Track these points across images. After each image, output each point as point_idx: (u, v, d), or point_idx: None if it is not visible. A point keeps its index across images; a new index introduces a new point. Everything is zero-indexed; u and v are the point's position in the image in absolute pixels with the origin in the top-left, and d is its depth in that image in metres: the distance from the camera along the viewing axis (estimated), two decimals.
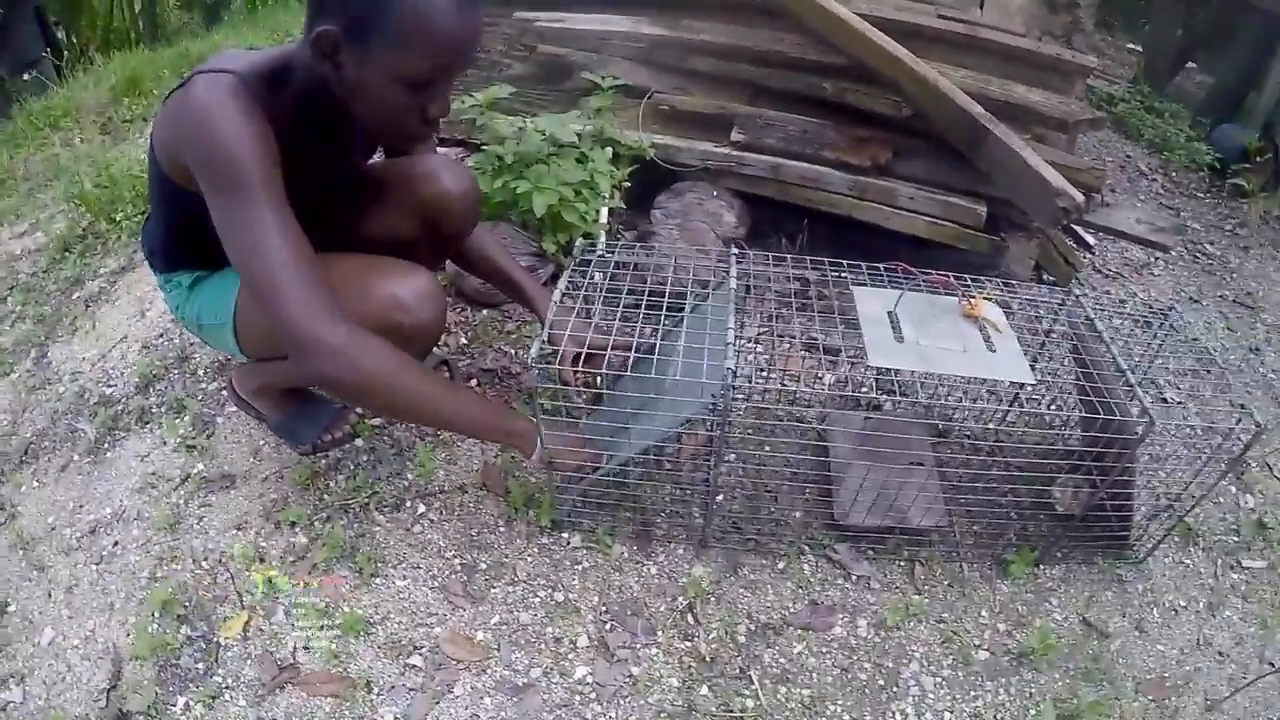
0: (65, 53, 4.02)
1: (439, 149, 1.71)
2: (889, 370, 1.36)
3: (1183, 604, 1.50)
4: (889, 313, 1.34)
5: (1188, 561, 1.58)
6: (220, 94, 1.03)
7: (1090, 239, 2.69)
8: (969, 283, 1.45)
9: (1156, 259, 2.88)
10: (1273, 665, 1.42)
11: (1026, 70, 2.19)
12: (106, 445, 1.73)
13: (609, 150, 2.01)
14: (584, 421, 1.27)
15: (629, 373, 1.34)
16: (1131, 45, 4.87)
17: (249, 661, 1.33)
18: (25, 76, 3.83)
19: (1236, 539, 1.64)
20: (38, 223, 2.69)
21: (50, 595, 1.47)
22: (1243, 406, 1.31)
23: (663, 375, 1.22)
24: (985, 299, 1.40)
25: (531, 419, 1.28)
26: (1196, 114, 3.94)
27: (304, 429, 1.58)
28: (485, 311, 2.00)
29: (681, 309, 1.45)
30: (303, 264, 1.06)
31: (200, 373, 1.85)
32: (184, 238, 1.33)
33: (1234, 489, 1.75)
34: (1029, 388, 1.66)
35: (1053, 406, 1.76)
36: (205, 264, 1.38)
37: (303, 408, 1.60)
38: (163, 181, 1.19)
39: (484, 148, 1.93)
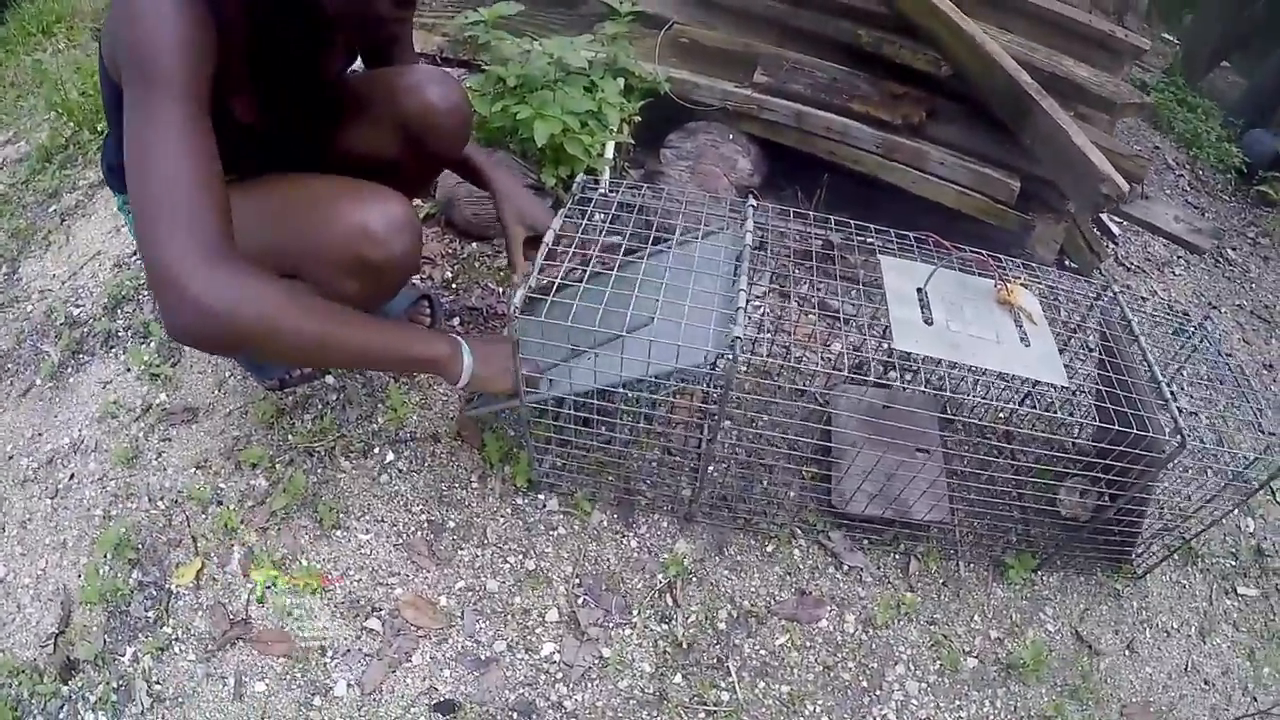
0: None
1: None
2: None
3: (1175, 626, 1.46)
4: (918, 290, 1.22)
5: (1184, 582, 1.53)
6: None
7: (1115, 229, 2.59)
8: (1004, 264, 1.32)
9: (1179, 258, 2.82)
10: (1255, 700, 1.39)
11: (1075, 43, 2.06)
12: (70, 369, 1.65)
13: (621, 81, 1.87)
14: (520, 335, 1.07)
15: (588, 284, 1.11)
16: (1167, 35, 4.73)
17: (200, 613, 1.27)
18: None
19: (1234, 563, 1.60)
20: (21, 131, 2.59)
21: (3, 529, 1.41)
22: (1274, 434, 1.23)
23: (640, 312, 1.08)
24: (1022, 285, 1.28)
25: (456, 337, 1.11)
26: (1228, 114, 3.90)
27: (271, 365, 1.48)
28: (475, 244, 1.88)
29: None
30: (195, 187, 0.87)
31: None
32: None
33: (1236, 510, 1.67)
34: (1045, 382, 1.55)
35: (1068, 405, 1.65)
36: None
37: None
38: (110, 87, 1.05)
39: (485, 68, 1.79)
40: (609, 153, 1.83)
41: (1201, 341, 1.42)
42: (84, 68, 2.57)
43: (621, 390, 1.20)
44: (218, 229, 0.87)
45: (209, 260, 0.85)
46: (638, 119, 1.93)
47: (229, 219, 0.89)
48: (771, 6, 2.07)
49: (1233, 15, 4.19)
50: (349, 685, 1.19)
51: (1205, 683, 1.39)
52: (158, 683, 1.20)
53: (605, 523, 1.40)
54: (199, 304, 0.84)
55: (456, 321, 1.70)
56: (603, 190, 1.34)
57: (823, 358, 1.72)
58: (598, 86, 1.78)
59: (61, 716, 1.19)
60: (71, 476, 1.45)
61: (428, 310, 1.63)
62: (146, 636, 1.24)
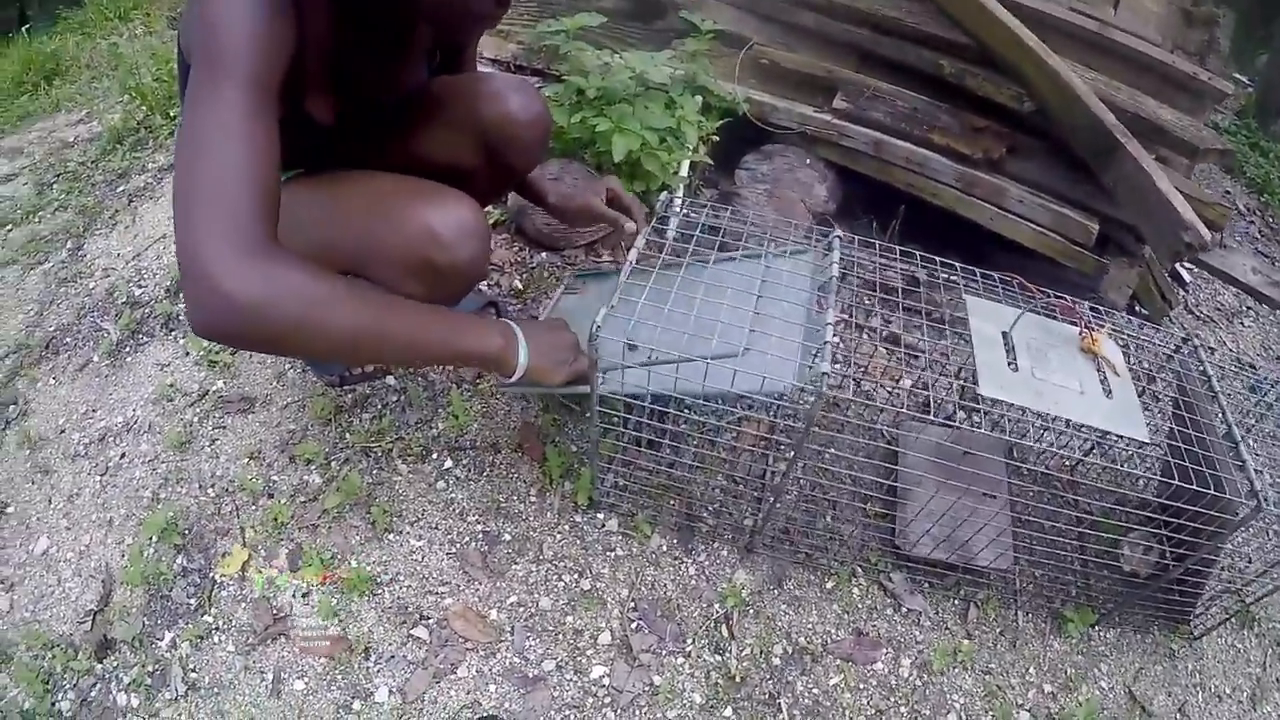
0: None
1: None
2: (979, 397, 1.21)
3: (1228, 691, 1.40)
4: (1004, 333, 1.18)
5: (1239, 646, 1.48)
6: None
7: (1187, 276, 2.52)
8: (1089, 312, 1.29)
9: (1248, 309, 2.74)
10: None
11: (1156, 83, 2.00)
12: (128, 349, 1.65)
13: (699, 99, 1.85)
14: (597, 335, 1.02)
15: (655, 283, 1.07)
16: (1239, 76, 4.63)
17: (243, 605, 1.25)
18: None
19: None
20: (94, 111, 2.64)
21: (50, 502, 1.41)
22: None
23: (728, 327, 1.04)
24: (1107, 334, 1.24)
25: (511, 324, 1.06)
26: None
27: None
28: (545, 254, 1.86)
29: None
30: (241, 176, 0.81)
31: None
32: None
33: None
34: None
35: (1136, 457, 1.60)
36: None
37: None
38: (185, 71, 1.01)
39: (564, 78, 1.78)
40: (684, 171, 1.81)
41: (1277, 399, 1.37)
42: (159, 54, 2.63)
43: (687, 411, 1.15)
44: (260, 221, 0.81)
45: (243, 252, 0.79)
46: (715, 138, 1.90)
47: (274, 214, 0.84)
48: (853, 32, 2.05)
49: None
50: (391, 692, 1.17)
51: None
52: (194, 670, 1.19)
53: (665, 547, 1.37)
54: (226, 297, 0.77)
55: None
56: (682, 209, 1.32)
57: (891, 393, 1.68)
58: (677, 103, 1.76)
59: (93, 694, 1.18)
60: (123, 455, 1.45)
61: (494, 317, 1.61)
62: (186, 623, 1.23)
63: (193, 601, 1.26)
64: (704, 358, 1.00)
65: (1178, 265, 2.40)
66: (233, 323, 0.79)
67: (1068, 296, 1.28)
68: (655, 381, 1.08)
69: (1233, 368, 1.54)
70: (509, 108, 1.21)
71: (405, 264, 1.05)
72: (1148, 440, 1.13)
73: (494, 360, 1.03)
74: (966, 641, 1.34)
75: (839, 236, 1.20)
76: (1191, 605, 1.37)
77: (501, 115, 1.21)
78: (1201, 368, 1.32)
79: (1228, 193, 3.44)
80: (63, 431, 1.51)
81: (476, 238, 1.09)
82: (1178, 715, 1.34)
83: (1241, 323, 2.67)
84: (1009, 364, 1.14)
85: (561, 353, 1.09)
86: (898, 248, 1.26)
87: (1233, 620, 1.46)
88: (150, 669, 1.19)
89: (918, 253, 1.26)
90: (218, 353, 1.58)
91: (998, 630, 1.37)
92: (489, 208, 1.87)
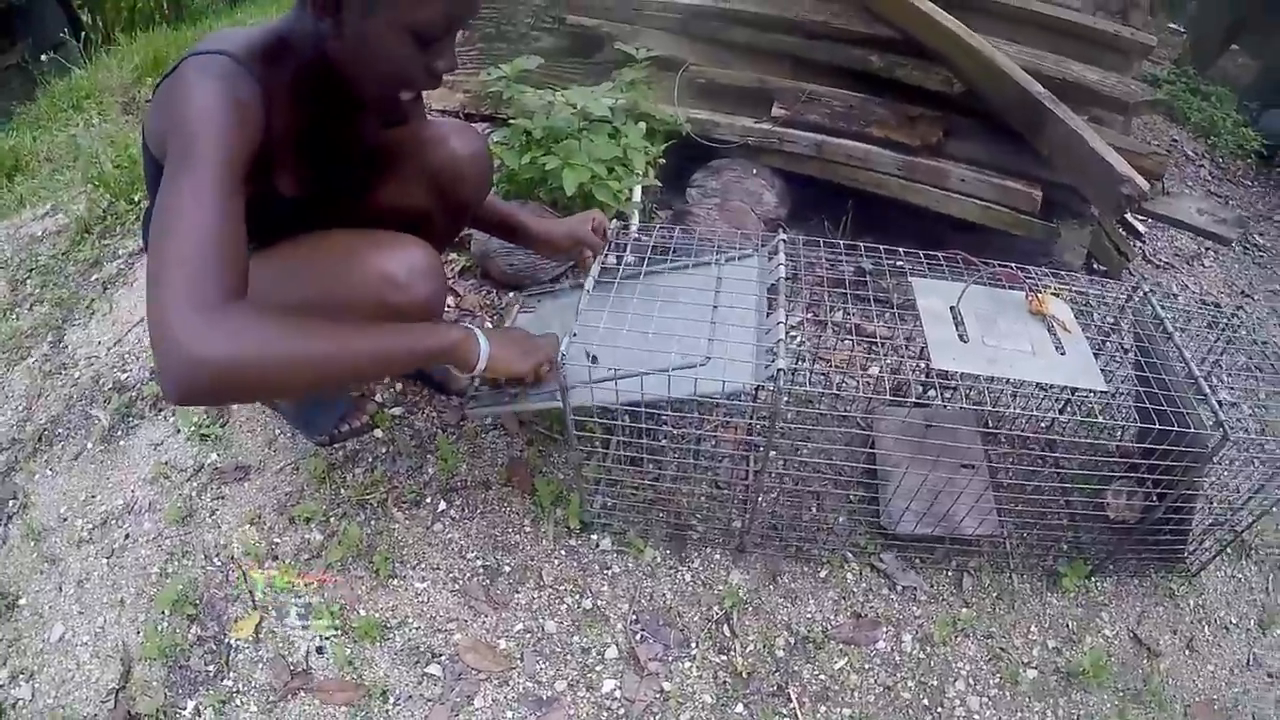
0: (88, 34, 3.98)
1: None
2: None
3: (1234, 621, 1.43)
4: (951, 308, 1.23)
5: (1240, 576, 1.51)
6: (207, 76, 0.93)
7: (1141, 227, 2.58)
8: (1033, 275, 1.34)
9: (1207, 250, 2.79)
10: None
11: (1082, 47, 2.08)
12: (120, 433, 1.68)
13: (643, 125, 1.90)
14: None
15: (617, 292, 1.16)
16: (1173, 25, 4.72)
17: (260, 665, 1.28)
18: (44, 58, 3.80)
19: None
20: (59, 204, 2.67)
21: (61, 589, 1.44)
22: None
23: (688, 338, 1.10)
24: (1052, 294, 1.29)
25: (467, 325, 1.13)
26: (1242, 98, 3.85)
27: (320, 418, 1.52)
28: (512, 294, 1.91)
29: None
30: (207, 243, 0.85)
31: None
32: None
33: None
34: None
35: (1109, 409, 1.65)
36: None
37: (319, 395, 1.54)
38: (155, 169, 1.09)
39: (511, 122, 1.84)
40: (636, 196, 1.86)
41: (1237, 330, 1.41)
42: (117, 141, 2.66)
43: (665, 425, 1.21)
44: (223, 279, 0.85)
45: (205, 310, 0.82)
46: (662, 161, 1.96)
47: (240, 274, 0.88)
48: (784, 40, 2.11)
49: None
50: None
51: (1269, 675, 1.37)
52: None
53: (659, 559, 1.41)
54: (194, 361, 0.80)
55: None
56: (634, 235, 1.37)
57: (862, 382, 1.73)
58: (621, 132, 1.82)
59: None
60: (126, 536, 1.48)
61: None
62: (208, 690, 1.26)
63: (211, 668, 1.28)
64: (667, 370, 1.06)
65: (1128, 218, 2.46)
66: (204, 383, 0.82)
67: (1012, 264, 1.33)
68: (624, 394, 1.12)
69: (1196, 308, 1.57)
70: (451, 147, 1.30)
71: (366, 310, 1.10)
72: (1105, 389, 1.18)
73: (456, 352, 1.08)
74: (965, 610, 1.37)
75: (783, 240, 1.26)
76: (1183, 543, 1.40)
77: (446, 155, 1.30)
78: (1154, 312, 1.37)
79: (1174, 140, 3.50)
80: (65, 520, 1.54)
81: (430, 276, 1.16)
82: (1186, 651, 1.37)
83: (1201, 264, 2.72)
84: (959, 336, 1.19)
85: (521, 344, 1.16)
86: (842, 243, 1.31)
87: (1229, 552, 1.48)
88: None
89: (862, 245, 1.31)
90: (209, 426, 1.62)
91: (994, 595, 1.40)
92: (454, 254, 1.93)
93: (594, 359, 1.11)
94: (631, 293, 1.20)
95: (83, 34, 3.94)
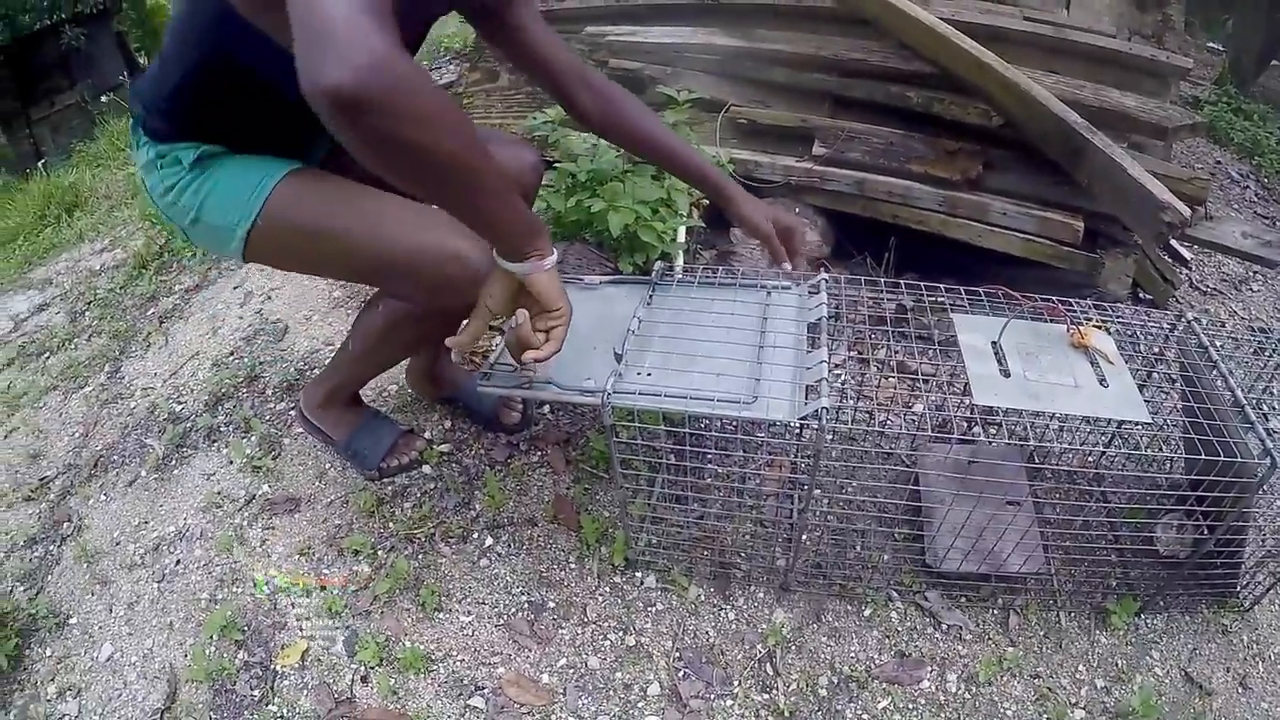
0: None
1: None
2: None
3: None
4: (992, 343, 1.23)
5: None
6: None
7: (1187, 254, 2.54)
8: (1075, 308, 1.33)
9: (1255, 274, 2.73)
10: None
11: (1119, 73, 2.07)
12: (174, 462, 1.74)
13: None
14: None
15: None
16: (1211, 44, 4.65)
17: (305, 692, 1.30)
18: (104, 99, 3.99)
19: None
20: (116, 239, 2.79)
21: (111, 610, 1.48)
22: None
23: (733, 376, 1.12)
24: (1095, 326, 1.28)
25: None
26: None
27: (369, 449, 1.56)
28: None
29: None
30: None
31: (269, 392, 1.84)
32: (209, 94, 1.08)
33: None
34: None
35: (1154, 441, 1.62)
36: (224, 138, 1.15)
37: (367, 424, 1.58)
38: (212, 7, 1.00)
39: (556, 165, 1.88)
40: (681, 237, 1.89)
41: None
42: None
43: (710, 463, 1.22)
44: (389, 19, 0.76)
45: (382, 21, 0.74)
46: (706, 202, 1.97)
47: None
48: (823, 80, 2.14)
49: (1273, 14, 4.10)
50: None
51: None
52: None
53: (703, 596, 1.40)
54: (372, 46, 0.73)
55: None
56: (679, 275, 1.39)
57: (906, 419, 1.72)
58: (664, 174, 1.84)
59: None
60: (177, 562, 1.52)
61: None
62: (252, 714, 1.28)
63: (256, 693, 1.31)
64: (713, 399, 1.08)
65: (1175, 243, 2.42)
66: (379, 75, 0.73)
67: (1053, 298, 1.32)
68: (666, 406, 1.12)
69: (1244, 335, 1.54)
70: (528, 159, 1.36)
71: (423, 275, 1.13)
72: (1148, 420, 1.16)
73: (541, 235, 1.02)
74: (1011, 649, 1.34)
75: (824, 278, 1.27)
76: (1235, 577, 1.36)
77: (526, 165, 1.36)
78: (1199, 341, 1.34)
79: (1218, 162, 3.44)
80: (118, 544, 1.59)
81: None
82: (1239, 689, 1.33)
83: (1250, 288, 2.66)
84: (1001, 372, 1.19)
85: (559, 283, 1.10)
86: (882, 280, 1.32)
87: None
88: None
89: (903, 282, 1.32)
90: (261, 459, 1.66)
91: (1041, 633, 1.37)
92: None
93: (618, 357, 1.15)
94: (681, 308, 1.23)
95: None
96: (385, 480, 1.58)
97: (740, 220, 1.38)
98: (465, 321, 1.11)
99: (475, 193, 0.91)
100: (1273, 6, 4.08)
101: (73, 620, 1.48)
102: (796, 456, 1.56)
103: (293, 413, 1.73)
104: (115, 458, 1.80)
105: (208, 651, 1.36)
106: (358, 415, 1.59)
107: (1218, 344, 1.33)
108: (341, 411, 1.57)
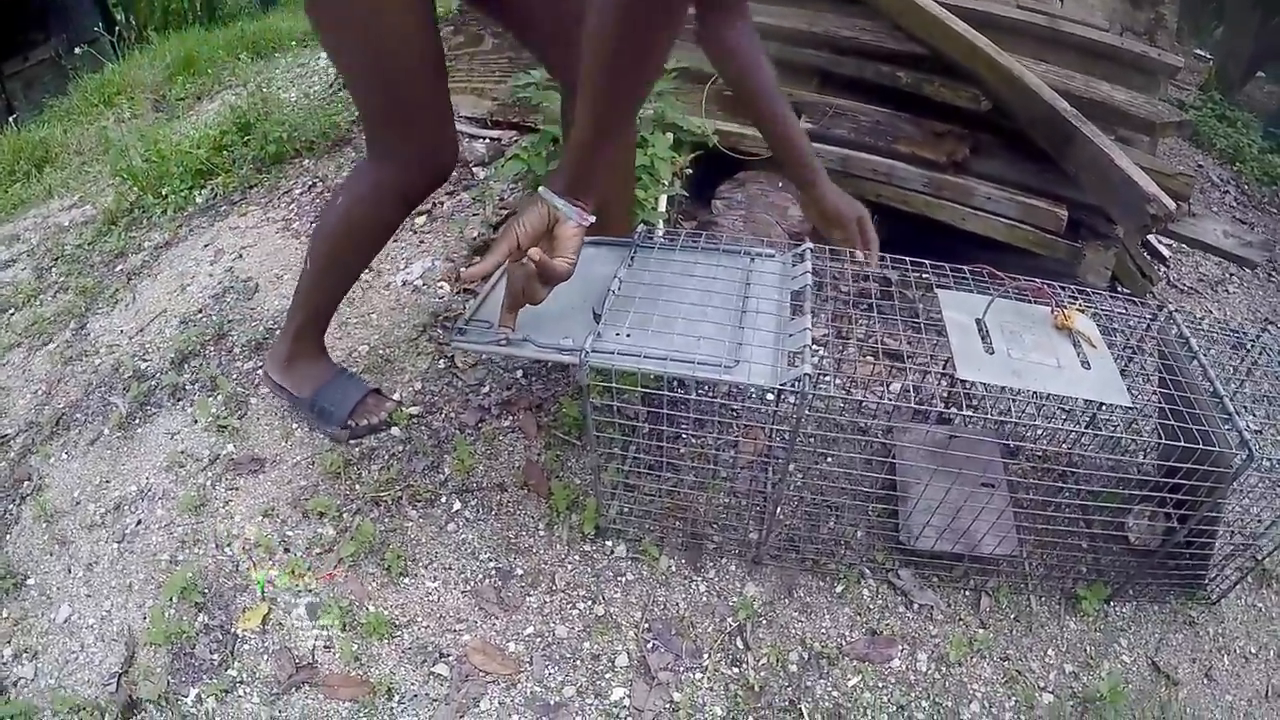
0: (121, 31, 4.06)
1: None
2: (962, 382, 1.25)
3: (1253, 650, 1.40)
4: (977, 320, 1.22)
5: (1260, 605, 1.48)
6: None
7: (1166, 251, 2.56)
8: (1059, 291, 1.32)
9: (1232, 276, 2.77)
10: None
11: (1109, 67, 2.07)
12: (137, 421, 1.69)
13: (670, 136, 1.92)
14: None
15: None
16: (1199, 51, 4.71)
17: (266, 656, 1.28)
18: (77, 50, 3.88)
19: None
20: (86, 195, 2.72)
21: (70, 571, 1.45)
22: None
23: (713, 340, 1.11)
24: (1078, 310, 1.28)
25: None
26: (1268, 124, 3.82)
27: (336, 405, 1.53)
28: None
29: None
30: None
31: (236, 351, 1.80)
32: None
33: None
34: (1107, 408, 1.53)
35: (1131, 429, 1.63)
36: None
37: (334, 381, 1.55)
38: None
39: (540, 129, 1.84)
40: (662, 206, 1.87)
41: (1260, 355, 1.39)
42: (147, 136, 2.69)
43: (685, 430, 1.20)
44: None
45: None
46: (689, 172, 1.97)
47: None
48: (813, 55, 2.11)
49: (1262, 25, 4.17)
50: None
51: None
52: None
53: (673, 568, 1.39)
54: None
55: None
56: (659, 241, 1.37)
57: (884, 398, 1.71)
58: (648, 142, 1.82)
59: None
60: (138, 522, 1.49)
61: None
62: (211, 678, 1.26)
63: (216, 657, 1.28)
64: (693, 362, 1.07)
65: (1154, 241, 2.44)
66: None
67: (1037, 279, 1.32)
68: (645, 366, 1.11)
69: (1219, 332, 1.55)
70: None
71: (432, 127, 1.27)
72: (1129, 404, 1.16)
73: (595, 193, 1.08)
74: (981, 630, 1.35)
75: (810, 248, 1.25)
76: (1204, 569, 1.38)
77: None
78: (1179, 333, 1.35)
79: (1200, 166, 3.48)
80: (78, 503, 1.55)
81: None
82: (1204, 680, 1.34)
83: (1226, 289, 2.70)
84: (985, 348, 1.18)
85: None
86: (857, 252, 1.31)
87: (1249, 580, 1.46)
88: None
89: (888, 257, 1.30)
90: (226, 418, 1.62)
91: (1012, 616, 1.38)
92: None
93: (596, 316, 1.14)
94: (662, 270, 1.22)
95: (116, 30, 4.01)
96: (353, 441, 1.54)
97: (822, 205, 1.39)
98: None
99: (619, 122, 1.05)
100: (1264, 17, 4.13)
101: (30, 581, 1.44)
102: (773, 427, 1.54)
103: (259, 374, 1.69)
104: (78, 416, 1.75)
105: (167, 614, 1.33)
106: (325, 371, 1.56)
107: (1196, 339, 1.34)
108: (308, 365, 1.54)
